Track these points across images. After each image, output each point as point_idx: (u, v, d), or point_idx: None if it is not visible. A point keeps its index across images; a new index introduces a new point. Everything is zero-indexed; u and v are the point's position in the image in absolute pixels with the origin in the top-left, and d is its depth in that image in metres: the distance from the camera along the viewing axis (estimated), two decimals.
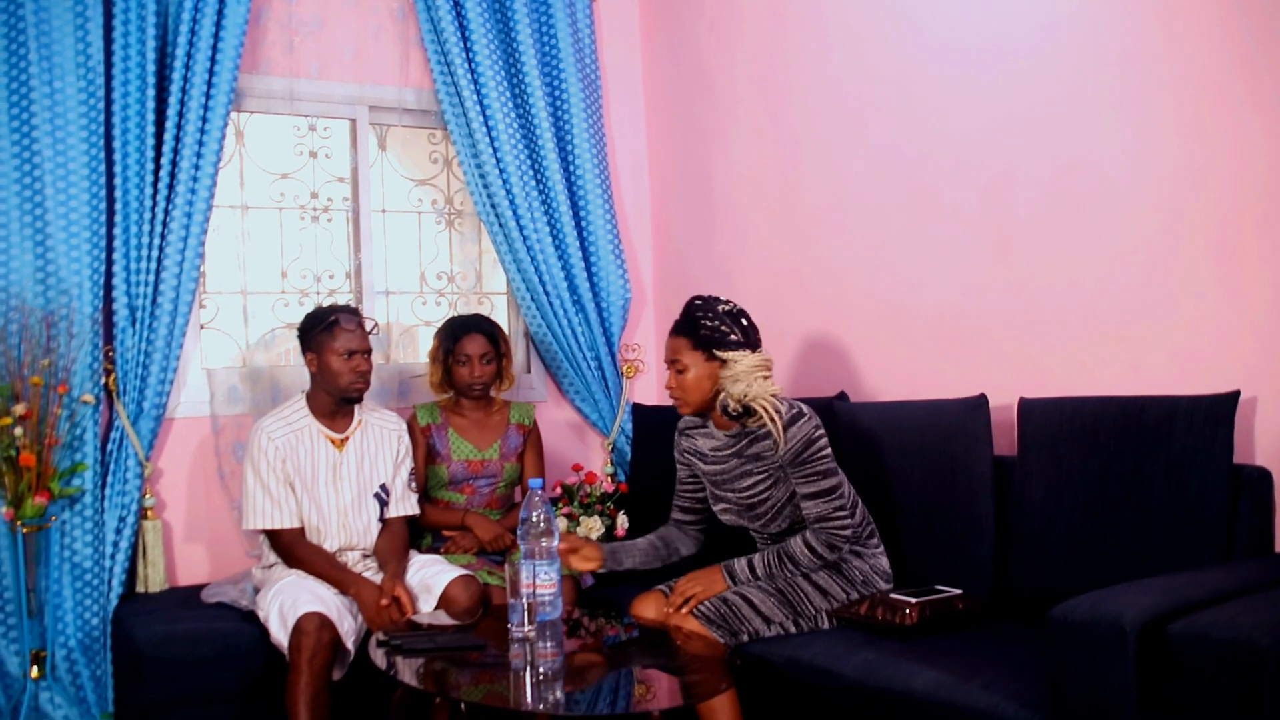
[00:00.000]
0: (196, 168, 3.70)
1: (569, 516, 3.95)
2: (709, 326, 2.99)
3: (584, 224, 4.41)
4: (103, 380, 3.61)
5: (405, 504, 3.54)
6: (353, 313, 3.46)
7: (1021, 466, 3.02)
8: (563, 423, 4.58)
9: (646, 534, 3.34)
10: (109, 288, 3.63)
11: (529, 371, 4.58)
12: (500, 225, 4.27)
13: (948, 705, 2.44)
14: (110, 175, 3.62)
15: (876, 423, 3.35)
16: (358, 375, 3.39)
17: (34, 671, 3.41)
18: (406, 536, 3.52)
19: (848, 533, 2.97)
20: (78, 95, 3.53)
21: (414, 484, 3.59)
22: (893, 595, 2.93)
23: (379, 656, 2.82)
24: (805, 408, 2.98)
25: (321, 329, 3.38)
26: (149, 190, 3.64)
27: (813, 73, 3.93)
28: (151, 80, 3.64)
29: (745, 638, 2.92)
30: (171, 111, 3.66)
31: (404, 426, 3.61)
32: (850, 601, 2.99)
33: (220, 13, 3.71)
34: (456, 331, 3.81)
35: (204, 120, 3.71)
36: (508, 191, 4.23)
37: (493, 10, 4.23)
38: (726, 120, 4.32)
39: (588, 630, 3.14)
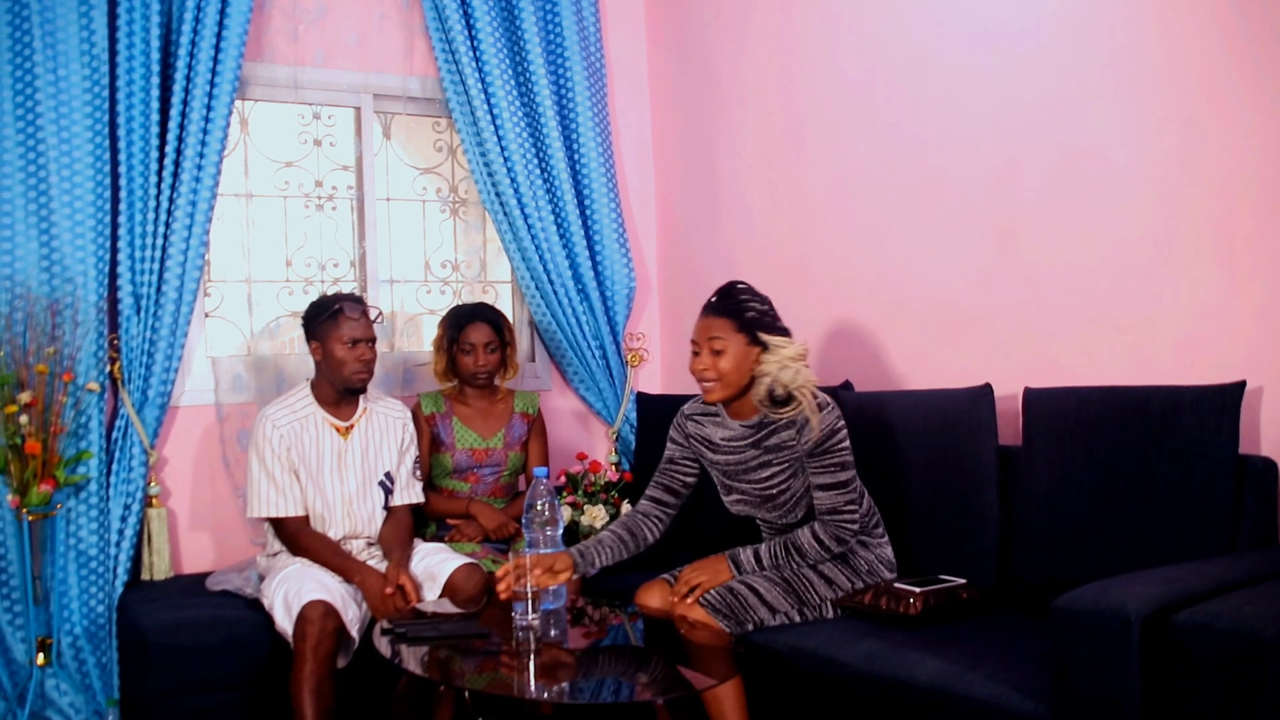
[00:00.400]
0: (201, 156, 3.70)
1: (573, 505, 3.95)
2: (757, 310, 2.94)
3: (588, 212, 4.40)
4: (108, 368, 3.61)
5: (410, 492, 3.55)
6: (357, 301, 3.46)
7: (1026, 456, 3.01)
8: (567, 411, 4.58)
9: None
10: (114, 276, 3.63)
11: (533, 360, 4.58)
12: (505, 214, 4.27)
13: (951, 695, 2.45)
14: (115, 163, 3.62)
15: (881, 412, 3.35)
16: (362, 364, 3.39)
17: (40, 658, 3.42)
18: (411, 525, 3.53)
19: (855, 527, 2.96)
20: (82, 84, 3.52)
21: (418, 472, 3.59)
22: (897, 585, 2.93)
23: (383, 644, 2.82)
24: (829, 400, 2.96)
25: (326, 317, 3.38)
26: (154, 178, 3.64)
27: (818, 60, 3.92)
28: (156, 69, 3.63)
29: (750, 627, 2.92)
30: (176, 100, 3.66)
31: (409, 415, 3.61)
32: (855, 591, 2.99)
33: (224, 1, 3.71)
34: (461, 320, 3.81)
35: (208, 108, 3.71)
36: (512, 180, 4.23)
37: None
38: (732, 108, 4.31)
39: (591, 619, 3.14)
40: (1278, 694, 1.99)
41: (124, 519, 3.62)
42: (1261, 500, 2.63)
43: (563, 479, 4.07)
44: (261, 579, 3.40)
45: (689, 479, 3.21)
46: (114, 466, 3.62)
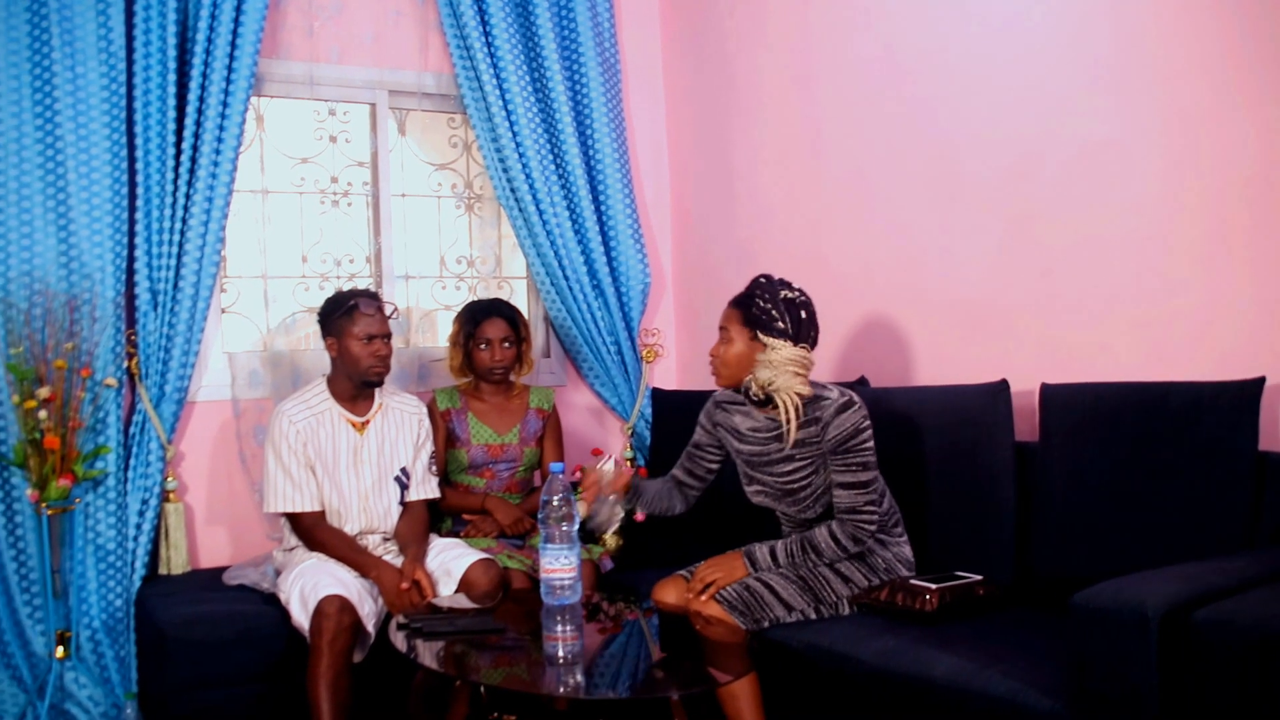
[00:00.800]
0: (217, 152, 3.71)
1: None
2: (760, 307, 2.97)
3: (603, 208, 4.40)
4: (125, 364, 3.63)
5: (425, 487, 3.55)
6: (372, 297, 3.46)
7: (1043, 452, 3.00)
8: (582, 407, 4.58)
9: (668, 524, 3.32)
10: (131, 272, 3.64)
11: (548, 356, 4.58)
12: (520, 210, 4.27)
13: (967, 692, 2.44)
14: (132, 160, 3.64)
15: (897, 408, 3.34)
16: (378, 359, 3.40)
17: (59, 651, 3.44)
18: (427, 520, 3.54)
19: (873, 527, 2.96)
20: (100, 81, 3.54)
21: (434, 468, 3.60)
22: (913, 581, 2.92)
23: (399, 639, 2.83)
24: (857, 398, 2.97)
25: (341, 313, 3.39)
26: (170, 175, 3.66)
27: (834, 56, 3.91)
28: (172, 66, 3.64)
29: (766, 624, 2.92)
30: (192, 97, 3.67)
31: (424, 410, 3.62)
32: (871, 588, 2.98)
33: None
34: (477, 315, 3.81)
35: (224, 105, 3.72)
36: (527, 176, 4.23)
37: None
38: (747, 102, 4.31)
39: (607, 614, 3.14)
40: None
41: (141, 513, 3.63)
42: None
43: (578, 474, 4.06)
44: (278, 574, 3.41)
45: (711, 466, 3.27)
46: (131, 461, 3.63)
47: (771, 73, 4.18)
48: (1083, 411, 2.91)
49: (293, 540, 3.43)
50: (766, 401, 2.99)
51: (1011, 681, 2.38)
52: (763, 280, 3.04)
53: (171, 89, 3.64)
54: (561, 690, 2.60)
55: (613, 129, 4.39)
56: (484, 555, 3.37)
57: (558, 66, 4.27)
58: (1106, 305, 3.09)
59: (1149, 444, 2.75)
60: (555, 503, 2.83)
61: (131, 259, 3.64)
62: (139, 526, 3.63)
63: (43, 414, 3.33)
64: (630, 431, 4.51)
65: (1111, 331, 3.08)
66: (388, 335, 3.44)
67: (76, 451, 3.42)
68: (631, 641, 2.94)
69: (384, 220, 4.29)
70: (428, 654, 2.73)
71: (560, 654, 2.71)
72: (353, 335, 3.38)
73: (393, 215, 4.31)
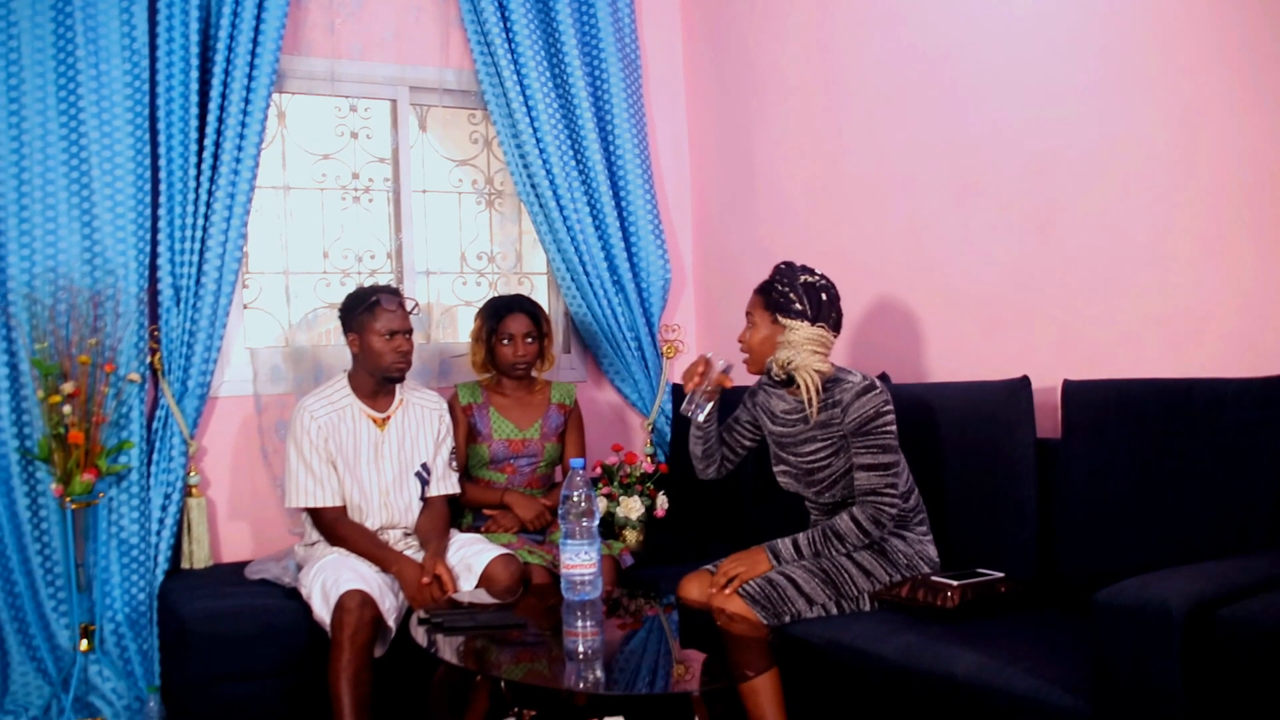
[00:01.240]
0: (239, 149, 3.72)
1: (609, 496, 3.96)
2: (779, 291, 3.07)
3: (624, 204, 4.40)
4: (148, 359, 3.65)
5: (446, 483, 3.56)
6: (394, 293, 3.47)
7: (1065, 449, 2.99)
8: (602, 403, 4.58)
9: (689, 520, 3.34)
10: (154, 268, 3.66)
11: (568, 352, 4.58)
12: (540, 205, 4.27)
13: (989, 689, 2.43)
14: (155, 157, 3.65)
15: (918, 404, 3.33)
16: (400, 355, 3.41)
17: (83, 645, 3.46)
18: (447, 515, 3.55)
19: (893, 510, 2.97)
20: (123, 78, 3.56)
21: (454, 463, 3.61)
22: (934, 578, 2.92)
23: (420, 634, 2.84)
24: (879, 383, 3.03)
25: (363, 309, 3.40)
26: (193, 171, 3.68)
27: (855, 52, 3.90)
28: (195, 63, 3.66)
29: (788, 619, 2.92)
30: (215, 93, 3.69)
31: (445, 406, 3.63)
32: (892, 584, 2.98)
33: None
34: (500, 311, 3.82)
35: (246, 102, 3.73)
36: (548, 172, 4.23)
37: None
38: (768, 100, 4.30)
39: (627, 610, 3.15)
40: None
41: (164, 508, 3.66)
42: None
43: (598, 470, 4.07)
44: (299, 568, 3.42)
45: (745, 442, 3.35)
46: (154, 456, 3.65)
47: (792, 68, 4.17)
48: (1105, 408, 2.89)
49: (314, 535, 3.44)
50: (789, 381, 3.07)
51: (1034, 679, 2.37)
52: (783, 266, 3.13)
53: (194, 86, 3.66)
54: (581, 686, 2.61)
55: (633, 124, 4.39)
56: (505, 550, 3.38)
57: (578, 62, 4.27)
58: (1129, 301, 3.07)
59: (1172, 441, 2.74)
60: (576, 498, 2.83)
61: (154, 255, 3.66)
62: (162, 521, 3.65)
63: (67, 409, 3.35)
64: (650, 427, 4.51)
65: (1134, 327, 3.06)
66: (409, 331, 3.45)
67: (100, 446, 3.44)
68: (652, 637, 2.94)
69: (405, 216, 4.30)
70: (448, 649, 2.74)
71: (580, 649, 2.72)
72: (374, 331, 3.39)
73: (413, 211, 4.32)
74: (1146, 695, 2.14)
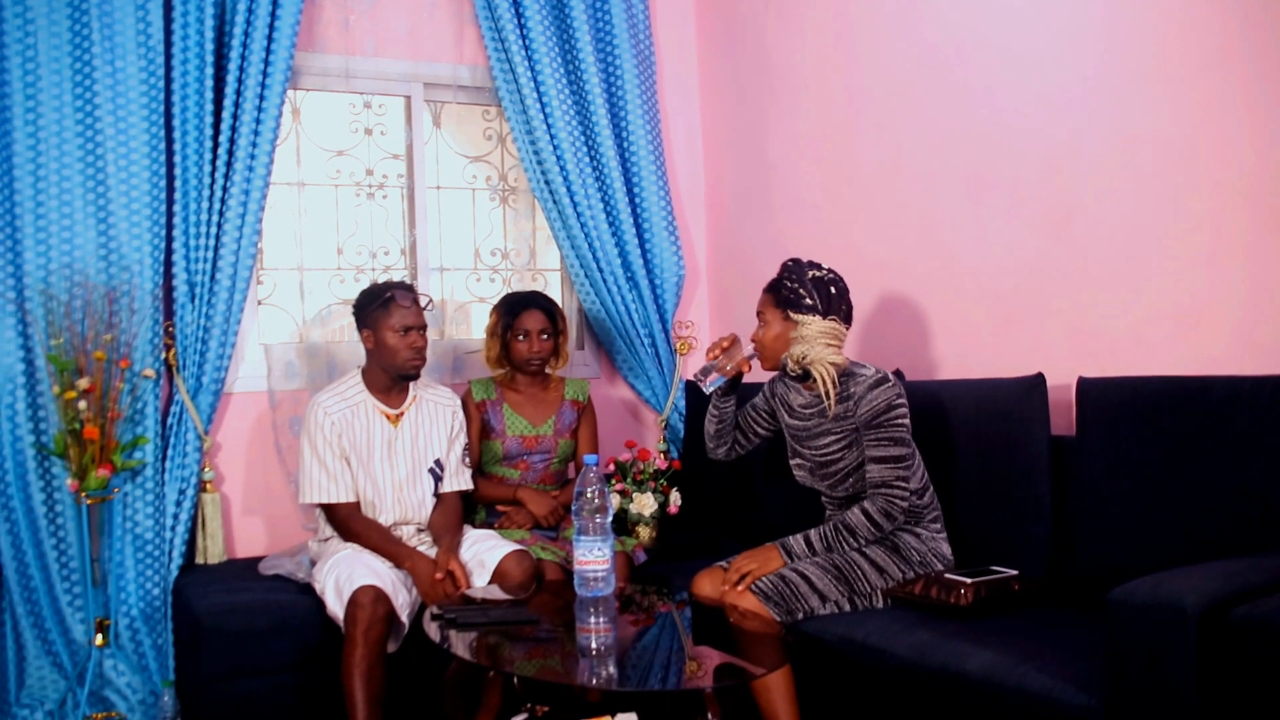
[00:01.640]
0: (254, 145, 3.73)
1: (622, 493, 3.96)
2: (789, 287, 3.08)
3: (638, 200, 4.40)
4: (163, 355, 3.66)
5: (459, 479, 3.57)
6: (408, 289, 3.48)
7: (1080, 447, 2.98)
8: (616, 400, 4.58)
9: (702, 516, 3.34)
10: (169, 264, 3.68)
11: (582, 348, 4.59)
12: (554, 202, 4.27)
13: (1002, 687, 2.42)
14: (170, 153, 3.67)
15: (933, 401, 3.32)
16: (414, 351, 3.42)
17: (98, 639, 3.48)
18: (461, 511, 3.55)
19: (905, 503, 2.97)
20: (138, 75, 3.57)
21: (468, 459, 3.61)
22: (948, 575, 2.91)
23: (433, 630, 2.84)
24: (892, 377, 3.04)
25: (377, 305, 3.41)
26: (207, 168, 3.69)
27: (870, 47, 3.88)
28: (210, 59, 3.67)
29: (801, 615, 2.92)
30: (229, 90, 3.70)
31: (458, 402, 3.63)
32: (905, 581, 2.97)
33: None
34: (515, 307, 3.82)
35: (261, 98, 3.74)
36: (561, 168, 4.23)
37: None
38: (782, 95, 4.29)
39: (640, 606, 3.15)
40: None
41: (179, 503, 3.67)
42: None
43: (612, 467, 4.07)
44: (313, 564, 3.43)
45: (759, 430, 3.36)
46: (169, 452, 3.67)
47: (807, 64, 4.16)
48: (1120, 405, 2.88)
49: (328, 531, 3.45)
50: (804, 376, 3.08)
51: (1047, 677, 2.37)
52: (790, 263, 3.15)
53: (209, 83, 3.67)
54: (594, 682, 2.61)
55: (647, 121, 4.39)
56: (518, 547, 3.38)
57: (592, 58, 4.26)
58: (1144, 297, 3.06)
59: (1187, 439, 2.72)
60: (590, 494, 2.83)
61: (169, 251, 3.67)
62: (176, 516, 3.66)
63: (82, 404, 3.37)
64: (664, 424, 4.50)
65: (1149, 324, 3.05)
66: (424, 327, 3.46)
67: (115, 442, 3.45)
68: (664, 634, 2.94)
69: (419, 212, 4.30)
70: (461, 645, 2.74)
71: (593, 646, 2.72)
72: (389, 327, 3.39)
73: (427, 207, 4.32)
74: (1160, 694, 2.13)
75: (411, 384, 3.53)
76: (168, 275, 3.68)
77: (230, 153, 3.71)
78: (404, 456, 3.47)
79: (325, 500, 3.38)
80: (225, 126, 3.70)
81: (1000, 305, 3.47)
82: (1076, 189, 3.22)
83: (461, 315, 4.51)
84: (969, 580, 2.84)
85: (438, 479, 3.52)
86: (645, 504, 3.91)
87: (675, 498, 3.98)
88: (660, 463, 4.06)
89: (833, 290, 3.07)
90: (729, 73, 4.58)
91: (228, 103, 3.70)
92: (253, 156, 3.73)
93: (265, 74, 3.74)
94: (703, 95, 4.74)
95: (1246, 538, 2.58)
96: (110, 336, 3.49)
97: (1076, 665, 2.39)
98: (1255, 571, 2.27)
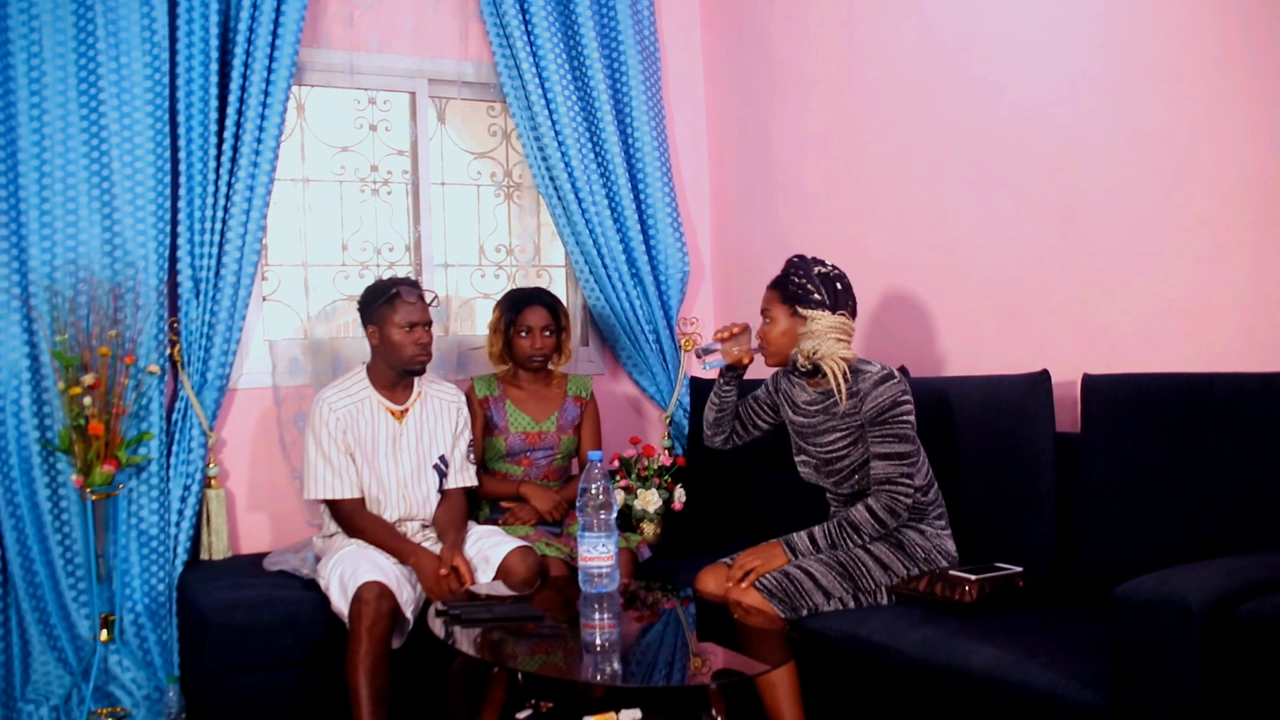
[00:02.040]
0: (259, 141, 3.73)
1: (626, 489, 3.96)
2: (796, 283, 3.08)
3: (642, 197, 4.40)
4: (168, 351, 3.67)
5: (464, 475, 3.57)
6: (413, 285, 3.48)
7: (1084, 443, 2.97)
8: (620, 396, 4.58)
9: (706, 513, 3.34)
10: (174, 260, 3.68)
11: (586, 345, 4.59)
12: (559, 198, 4.27)
13: (1007, 683, 2.42)
14: (175, 150, 3.67)
15: (937, 397, 3.32)
16: (419, 347, 3.42)
17: (103, 635, 3.49)
18: (465, 507, 3.55)
19: (909, 500, 2.96)
20: (143, 71, 3.57)
21: (472, 455, 3.62)
22: (952, 572, 2.91)
23: (438, 626, 2.85)
24: (898, 373, 3.04)
25: (382, 302, 3.41)
26: (212, 164, 3.69)
27: (876, 43, 3.88)
28: (215, 55, 3.67)
29: (805, 612, 2.92)
30: (234, 86, 3.70)
31: (463, 398, 3.63)
32: (910, 577, 2.97)
33: None
34: (518, 303, 3.82)
35: (266, 94, 3.74)
36: (566, 164, 4.23)
37: None
38: (788, 91, 4.28)
39: (644, 602, 3.15)
40: None
41: (183, 499, 3.67)
42: None
43: (616, 463, 4.07)
44: (318, 560, 3.44)
45: (760, 422, 3.35)
46: (174, 448, 3.67)
47: (813, 60, 4.15)
48: (1125, 402, 2.88)
49: (332, 527, 3.46)
50: (814, 371, 3.07)
51: (1052, 674, 2.36)
52: (796, 259, 3.15)
53: (214, 79, 3.68)
54: (598, 678, 2.61)
55: (652, 117, 4.38)
56: (522, 543, 3.39)
57: (597, 54, 4.26)
58: (1149, 294, 3.05)
59: (1192, 435, 2.72)
60: (594, 491, 2.83)
61: (174, 247, 3.68)
62: (181, 512, 3.67)
63: (87, 400, 3.37)
64: (668, 420, 4.50)
65: (1154, 320, 3.04)
66: (429, 323, 3.46)
67: (120, 438, 3.46)
68: (669, 630, 2.94)
69: (423, 209, 4.30)
70: (466, 641, 2.74)
71: (597, 642, 2.72)
72: (394, 323, 3.39)
73: (432, 204, 4.32)
74: (1165, 691, 2.13)
75: (416, 380, 3.53)
76: (172, 271, 3.69)
77: (235, 149, 3.71)
78: (409, 452, 3.47)
79: (330, 496, 3.38)
80: (230, 122, 3.70)
81: (1005, 302, 3.46)
82: (1081, 185, 3.21)
83: (466, 311, 4.51)
84: (973, 577, 2.84)
85: (442, 475, 3.52)
86: (650, 500, 3.91)
87: (680, 494, 3.98)
88: (665, 459, 4.06)
89: (838, 286, 3.07)
90: (733, 68, 4.58)
91: (232, 99, 3.70)
92: (257, 153, 3.73)
93: (270, 70, 3.74)
94: (707, 91, 4.74)
95: (1252, 534, 2.58)
96: (115, 332, 3.49)
97: (1081, 662, 2.38)
98: (1260, 568, 2.27)
